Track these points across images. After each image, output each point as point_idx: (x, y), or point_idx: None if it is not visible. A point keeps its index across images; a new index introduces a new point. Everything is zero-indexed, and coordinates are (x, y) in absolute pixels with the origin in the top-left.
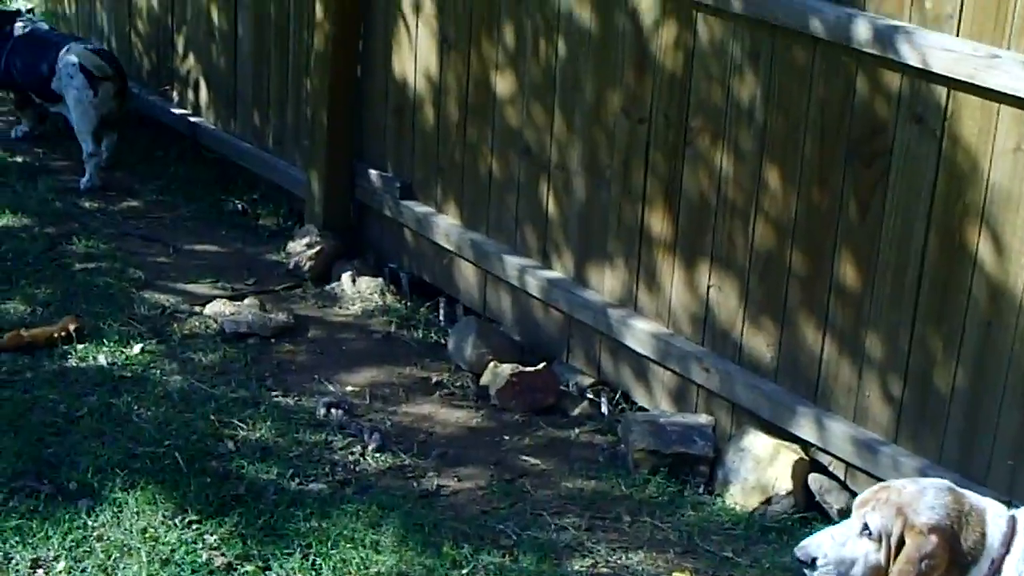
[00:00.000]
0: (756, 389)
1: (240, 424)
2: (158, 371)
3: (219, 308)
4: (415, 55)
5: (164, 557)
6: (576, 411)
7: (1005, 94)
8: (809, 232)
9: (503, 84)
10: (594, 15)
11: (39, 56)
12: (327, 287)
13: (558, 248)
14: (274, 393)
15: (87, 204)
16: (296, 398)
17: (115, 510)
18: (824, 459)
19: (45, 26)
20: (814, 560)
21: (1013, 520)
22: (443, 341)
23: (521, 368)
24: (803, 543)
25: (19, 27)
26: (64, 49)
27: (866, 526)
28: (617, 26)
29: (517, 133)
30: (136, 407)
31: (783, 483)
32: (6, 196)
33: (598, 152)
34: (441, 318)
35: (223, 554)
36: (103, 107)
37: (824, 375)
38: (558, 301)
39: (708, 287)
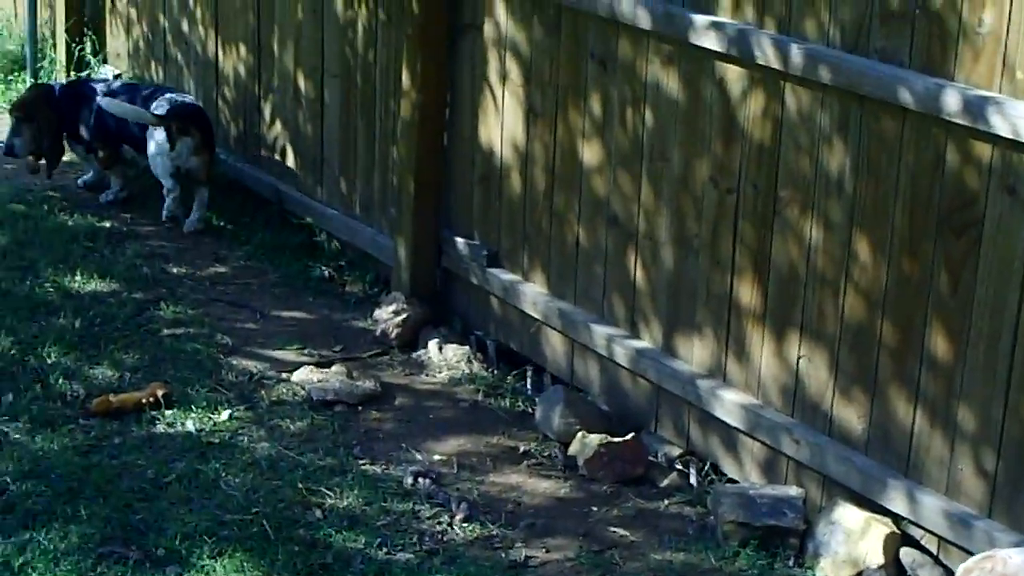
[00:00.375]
0: (847, 461)
1: (328, 492)
2: (246, 438)
3: (306, 375)
4: (502, 124)
5: None
6: (665, 482)
7: None
8: (899, 303)
9: (590, 153)
10: (681, 85)
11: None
12: (414, 354)
13: (646, 317)
14: (361, 461)
15: (174, 270)
16: (383, 466)
17: None
18: (916, 533)
19: (134, 81)
20: None
21: None
22: (530, 410)
23: (609, 438)
24: None
25: (102, 85)
26: (156, 98)
27: None
28: (705, 96)
29: (604, 202)
30: (224, 474)
31: (874, 557)
32: (94, 261)
33: (686, 221)
34: (528, 387)
35: None
36: (179, 160)
37: (915, 447)
38: (646, 371)
39: (798, 358)
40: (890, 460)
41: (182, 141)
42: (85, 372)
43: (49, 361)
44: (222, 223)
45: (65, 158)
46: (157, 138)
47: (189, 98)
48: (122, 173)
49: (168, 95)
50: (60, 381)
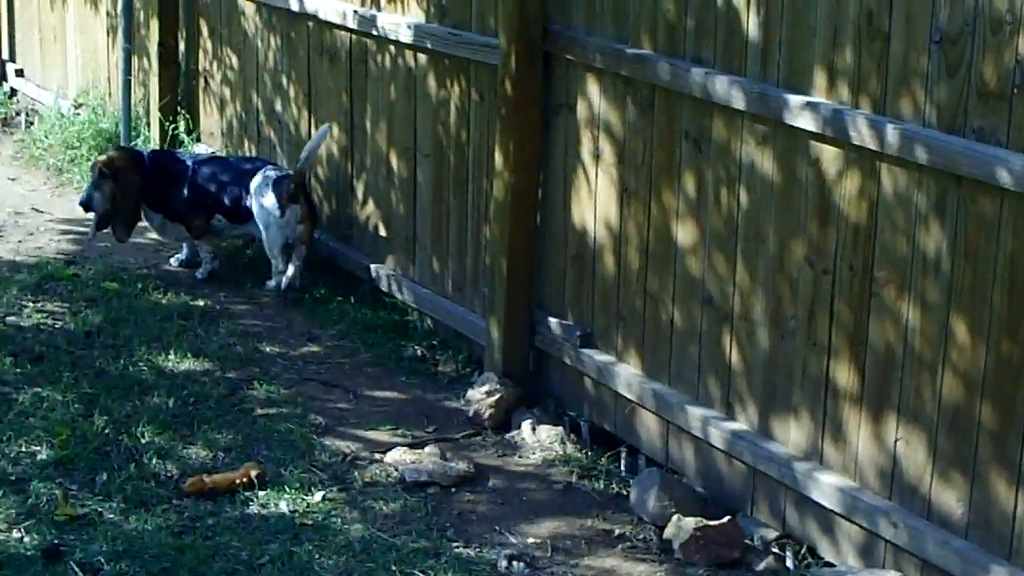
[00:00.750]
0: (946, 546)
1: (421, 575)
2: (339, 519)
3: (399, 456)
4: (595, 203)
5: None
6: (761, 566)
7: None
8: (999, 385)
9: (684, 233)
10: (776, 165)
11: (231, 177)
12: (507, 435)
13: (741, 399)
14: (455, 544)
15: (268, 348)
16: (477, 549)
17: None
18: None
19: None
20: None
21: None
22: (625, 492)
23: (705, 521)
24: None
25: (190, 158)
26: (258, 170)
27: None
28: (800, 176)
29: (699, 282)
30: (317, 556)
31: None
32: (188, 340)
33: (782, 302)
34: (622, 469)
35: None
36: (287, 229)
37: (1018, 532)
38: (742, 453)
39: (895, 440)
40: (991, 545)
41: (291, 209)
42: (179, 452)
43: (143, 440)
44: (315, 302)
45: (155, 237)
46: (267, 205)
47: (288, 170)
48: (212, 243)
49: (269, 167)
50: (154, 461)
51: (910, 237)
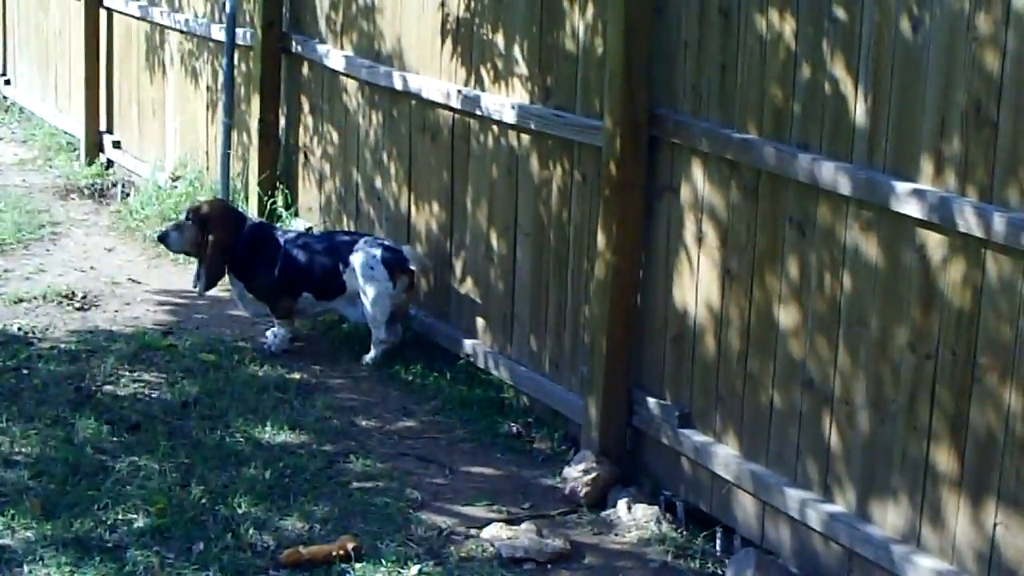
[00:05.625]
0: None
1: None
2: None
3: (496, 532)
4: (696, 285)
5: None
6: None
7: None
8: None
9: (786, 316)
10: (881, 251)
11: (329, 251)
12: (603, 513)
13: (840, 481)
14: None
15: (363, 422)
16: None
17: None
18: None
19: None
20: None
21: None
22: (720, 572)
23: None
24: None
25: (283, 234)
26: (361, 242)
27: None
28: (904, 262)
29: (800, 365)
30: None
31: None
32: (284, 412)
33: (883, 386)
34: (717, 548)
35: None
36: (396, 299)
37: None
38: (839, 535)
39: (995, 524)
40: None
41: (400, 280)
42: (275, 523)
43: (239, 511)
44: (411, 377)
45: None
46: (378, 276)
47: (387, 240)
48: (292, 324)
49: (370, 238)
50: (251, 531)
51: (1014, 324)
